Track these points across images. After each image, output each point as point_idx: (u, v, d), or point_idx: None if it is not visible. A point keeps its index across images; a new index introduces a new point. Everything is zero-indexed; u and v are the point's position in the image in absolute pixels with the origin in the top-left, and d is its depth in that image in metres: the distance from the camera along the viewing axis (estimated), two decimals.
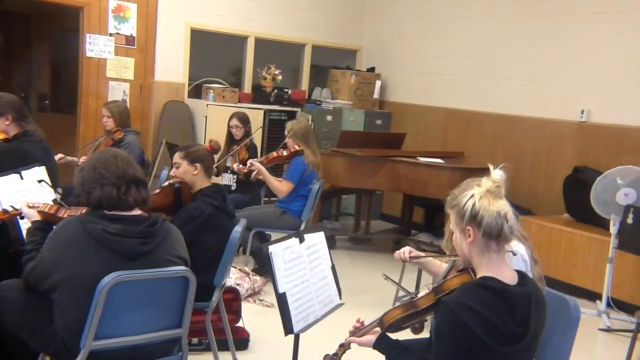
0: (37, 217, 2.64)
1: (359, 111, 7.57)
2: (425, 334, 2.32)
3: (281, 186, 5.07)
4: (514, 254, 2.36)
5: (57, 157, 4.63)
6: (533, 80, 6.31)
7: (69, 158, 5.07)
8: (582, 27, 5.90)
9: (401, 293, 4.47)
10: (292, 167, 5.09)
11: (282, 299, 2.46)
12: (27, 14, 7.81)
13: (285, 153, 5.13)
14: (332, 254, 2.87)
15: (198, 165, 3.43)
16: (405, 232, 6.83)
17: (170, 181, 3.44)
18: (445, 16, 7.19)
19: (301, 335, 2.58)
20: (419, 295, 2.16)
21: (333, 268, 2.83)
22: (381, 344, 2.23)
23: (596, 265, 5.13)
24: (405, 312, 2.15)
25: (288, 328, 2.46)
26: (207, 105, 6.67)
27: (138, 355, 2.37)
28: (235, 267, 4.57)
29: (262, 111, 6.89)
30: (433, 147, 7.03)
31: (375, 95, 7.80)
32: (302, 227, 4.97)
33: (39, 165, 3.39)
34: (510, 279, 2.03)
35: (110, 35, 6.53)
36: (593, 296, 5.10)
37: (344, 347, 2.39)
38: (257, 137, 6.09)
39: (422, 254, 2.64)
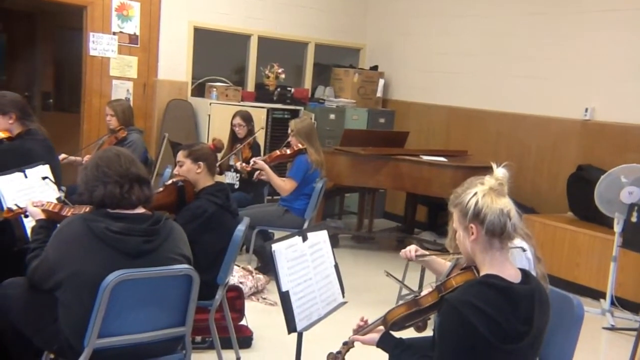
0: (42, 216, 2.65)
1: (362, 109, 7.57)
2: (428, 333, 2.32)
3: (284, 185, 5.07)
4: (524, 250, 2.36)
5: (61, 157, 4.63)
6: (536, 78, 6.28)
7: (72, 158, 5.08)
8: (587, 24, 5.87)
9: (404, 291, 4.47)
10: (296, 166, 5.10)
11: (285, 297, 2.46)
12: (31, 12, 7.80)
13: (288, 151, 5.13)
14: (335, 253, 2.87)
15: (201, 163, 3.43)
16: (408, 231, 6.82)
17: (174, 179, 3.44)
18: (449, 14, 7.18)
19: (304, 333, 2.58)
20: (422, 293, 2.16)
21: (336, 266, 2.83)
22: (385, 342, 2.23)
23: (600, 263, 5.12)
24: (409, 310, 2.15)
25: (291, 326, 2.46)
26: (210, 103, 6.67)
27: (141, 353, 2.38)
28: (239, 266, 4.57)
29: (265, 110, 6.89)
30: (436, 146, 7.02)
31: (379, 94, 7.79)
32: (305, 225, 4.98)
33: (43, 164, 3.39)
34: (514, 276, 2.03)
35: (114, 34, 6.53)
36: (597, 295, 5.09)
37: (348, 345, 2.39)
38: (260, 136, 6.08)
39: (427, 252, 2.64)
